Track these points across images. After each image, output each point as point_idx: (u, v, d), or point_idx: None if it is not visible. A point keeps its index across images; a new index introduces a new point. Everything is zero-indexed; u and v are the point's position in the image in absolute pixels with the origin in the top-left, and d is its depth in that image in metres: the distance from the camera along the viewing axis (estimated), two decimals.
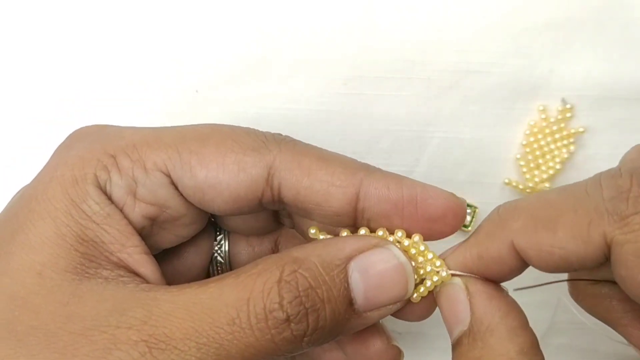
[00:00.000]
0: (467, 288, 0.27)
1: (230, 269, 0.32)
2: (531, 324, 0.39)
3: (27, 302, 0.24)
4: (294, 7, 0.38)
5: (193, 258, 0.31)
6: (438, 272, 0.27)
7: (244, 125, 0.38)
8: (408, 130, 0.39)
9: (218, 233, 0.32)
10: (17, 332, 0.24)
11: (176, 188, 0.27)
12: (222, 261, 0.32)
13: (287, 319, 0.24)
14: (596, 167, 0.38)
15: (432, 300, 0.28)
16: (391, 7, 0.38)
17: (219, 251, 0.32)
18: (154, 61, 0.39)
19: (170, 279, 0.28)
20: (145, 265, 0.27)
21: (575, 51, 0.39)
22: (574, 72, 0.39)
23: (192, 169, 0.27)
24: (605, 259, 0.24)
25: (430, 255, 0.27)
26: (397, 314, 0.28)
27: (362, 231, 0.27)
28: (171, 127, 0.29)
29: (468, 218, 0.39)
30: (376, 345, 0.29)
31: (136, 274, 0.26)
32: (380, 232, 0.27)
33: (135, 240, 0.27)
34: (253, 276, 0.25)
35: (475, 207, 0.39)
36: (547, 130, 0.39)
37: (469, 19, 0.39)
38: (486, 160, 0.39)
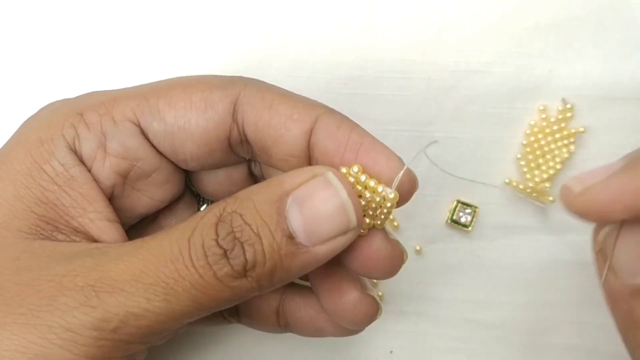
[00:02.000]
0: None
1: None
2: (531, 324, 0.39)
3: None
4: (294, 7, 0.38)
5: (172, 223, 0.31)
6: (384, 196, 0.26)
7: None
8: (408, 130, 0.39)
9: (201, 203, 0.32)
10: None
11: (146, 138, 0.27)
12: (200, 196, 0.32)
13: (224, 254, 0.24)
14: (596, 166, 0.39)
15: (398, 252, 0.27)
16: (391, 7, 0.38)
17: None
18: (154, 61, 0.39)
19: None
20: (108, 233, 0.26)
21: (575, 51, 0.39)
22: (574, 72, 0.39)
23: (161, 111, 0.27)
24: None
25: (372, 183, 0.26)
26: (361, 271, 0.28)
27: None
28: (137, 85, 0.29)
29: (468, 218, 0.39)
30: (351, 294, 0.29)
31: (95, 241, 0.26)
32: None
33: (100, 205, 0.26)
34: (197, 217, 0.25)
35: (476, 207, 0.39)
36: (548, 130, 0.39)
37: (469, 19, 0.39)
38: (486, 160, 0.39)
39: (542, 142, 0.39)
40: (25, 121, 0.28)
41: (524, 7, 0.38)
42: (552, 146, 0.39)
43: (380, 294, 0.39)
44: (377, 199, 0.26)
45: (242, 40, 0.39)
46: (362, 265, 0.28)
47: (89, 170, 0.26)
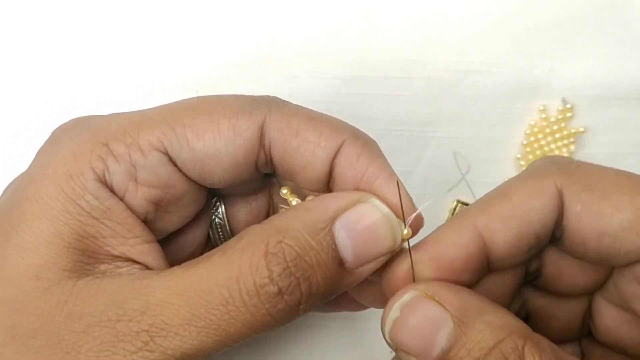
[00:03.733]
0: (427, 291, 0.25)
1: (230, 230, 0.32)
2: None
3: (26, 305, 0.24)
4: (294, 7, 0.38)
5: (194, 230, 0.31)
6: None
7: None
8: (408, 130, 0.39)
9: (216, 203, 0.32)
10: (19, 336, 0.24)
11: (175, 165, 0.27)
12: (222, 222, 0.32)
13: (280, 292, 0.24)
14: None
15: (377, 290, 0.28)
16: (391, 6, 0.38)
17: (217, 214, 0.32)
18: (154, 61, 0.39)
19: (175, 255, 0.28)
20: (149, 254, 0.26)
21: (575, 51, 0.39)
22: (574, 72, 0.39)
23: (189, 142, 0.26)
24: (559, 210, 0.25)
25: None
26: (338, 306, 0.29)
27: None
28: (157, 106, 0.28)
29: None
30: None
31: (138, 263, 0.26)
32: None
33: (138, 230, 0.26)
34: (239, 252, 0.25)
35: None
36: (548, 130, 0.39)
37: (469, 19, 0.39)
38: (486, 160, 0.39)
39: (542, 142, 0.39)
40: (44, 149, 0.28)
41: (524, 7, 0.39)
42: (552, 146, 0.39)
43: None
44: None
45: (242, 40, 0.39)
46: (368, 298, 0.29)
47: (122, 200, 0.26)
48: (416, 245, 0.27)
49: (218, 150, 0.27)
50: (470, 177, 0.39)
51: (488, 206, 0.26)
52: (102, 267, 0.26)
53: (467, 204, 0.39)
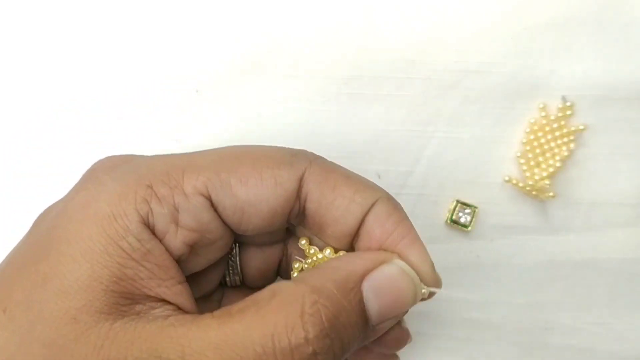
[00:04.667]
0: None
1: (242, 274, 0.32)
2: (531, 324, 0.39)
3: (63, 348, 0.24)
4: (294, 7, 0.38)
5: (213, 272, 0.31)
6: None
7: (245, 125, 0.39)
8: (408, 130, 0.39)
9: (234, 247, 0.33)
10: None
11: (216, 210, 0.27)
12: (234, 265, 0.32)
13: (314, 352, 0.24)
14: (596, 165, 0.39)
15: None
16: (391, 7, 0.38)
17: (231, 257, 0.32)
18: (154, 61, 0.39)
19: (193, 291, 0.28)
20: (181, 295, 0.27)
21: (575, 51, 0.39)
22: (574, 72, 0.39)
23: (233, 188, 0.27)
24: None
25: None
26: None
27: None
28: (199, 151, 0.29)
29: (468, 218, 0.39)
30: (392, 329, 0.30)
31: (171, 303, 0.26)
32: None
33: (173, 272, 0.27)
34: (274, 309, 0.25)
35: (475, 207, 0.39)
36: (547, 128, 0.39)
37: (469, 19, 0.39)
38: (486, 159, 0.39)
39: (542, 140, 0.39)
40: (84, 186, 0.28)
41: (524, 7, 0.38)
42: (552, 144, 0.39)
43: None
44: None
45: (242, 40, 0.39)
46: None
47: (161, 241, 0.27)
48: None
49: (260, 198, 0.27)
50: (471, 177, 0.39)
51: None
52: (137, 307, 0.26)
53: (467, 204, 0.39)
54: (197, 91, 0.39)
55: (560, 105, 0.39)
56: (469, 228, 0.39)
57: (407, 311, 0.28)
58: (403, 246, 0.28)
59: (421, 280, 0.28)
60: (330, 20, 0.38)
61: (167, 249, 0.27)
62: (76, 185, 0.28)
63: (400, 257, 0.28)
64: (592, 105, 0.39)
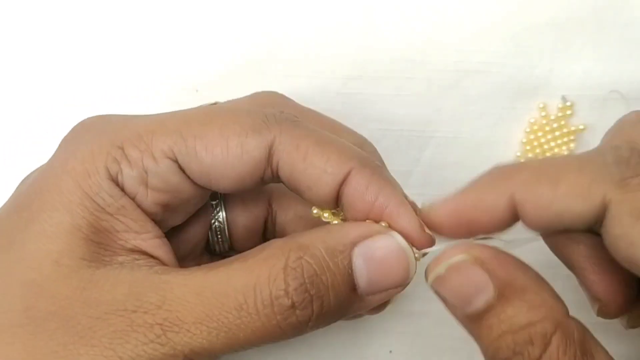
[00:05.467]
0: (477, 258, 0.26)
1: (229, 234, 0.33)
2: None
3: (44, 289, 0.25)
4: (294, 6, 0.38)
5: (194, 228, 0.32)
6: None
7: None
8: (408, 130, 0.39)
9: (213, 201, 0.33)
10: (35, 318, 0.25)
11: (184, 172, 0.28)
12: (221, 226, 0.33)
13: (293, 306, 0.25)
14: None
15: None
16: (391, 7, 0.38)
17: (217, 218, 0.33)
18: (154, 61, 0.39)
19: (176, 250, 0.29)
20: (160, 248, 0.28)
21: (575, 51, 0.39)
22: (574, 72, 0.39)
23: (198, 154, 0.27)
24: (598, 220, 0.24)
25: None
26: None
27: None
28: (174, 112, 0.29)
29: None
30: None
31: (151, 256, 0.27)
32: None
33: (149, 226, 0.28)
34: (259, 262, 0.26)
35: None
36: (548, 128, 0.39)
37: (469, 19, 0.39)
38: (486, 159, 0.39)
39: (542, 140, 0.39)
40: (65, 144, 0.29)
41: (524, 7, 0.39)
42: (552, 144, 0.39)
43: None
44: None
45: (242, 40, 0.39)
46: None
47: (133, 200, 0.28)
48: (450, 201, 0.27)
49: (226, 165, 0.27)
50: (470, 177, 0.39)
51: (533, 184, 0.25)
52: (120, 258, 0.27)
53: None
54: (197, 91, 0.39)
55: (560, 105, 0.39)
56: None
57: (402, 288, 0.27)
58: (388, 215, 0.28)
59: (413, 245, 0.28)
60: (330, 20, 0.38)
61: (140, 208, 0.28)
62: (58, 145, 0.30)
63: (390, 226, 0.28)
64: (592, 105, 0.39)
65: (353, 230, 0.27)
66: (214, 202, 0.33)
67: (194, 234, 0.32)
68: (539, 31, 0.38)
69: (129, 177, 0.27)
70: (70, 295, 0.25)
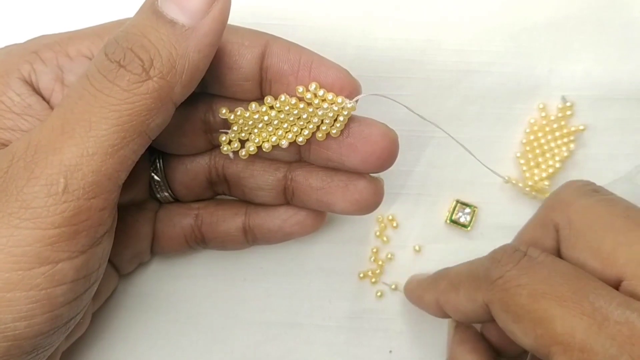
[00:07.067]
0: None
1: (169, 187, 0.34)
2: None
3: None
4: (293, 6, 0.39)
5: (133, 182, 0.32)
6: (343, 106, 0.29)
7: None
8: (408, 130, 0.39)
9: (152, 156, 0.34)
10: None
11: None
12: (159, 181, 0.34)
13: (119, 65, 0.25)
14: (596, 166, 0.39)
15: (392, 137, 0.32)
16: (391, 7, 0.39)
17: (154, 171, 0.33)
18: None
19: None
20: None
21: (575, 51, 0.39)
22: (574, 72, 0.39)
23: None
24: (490, 315, 0.29)
25: (330, 96, 0.29)
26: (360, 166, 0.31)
27: (269, 99, 0.29)
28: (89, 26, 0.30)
29: (467, 218, 0.39)
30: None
31: None
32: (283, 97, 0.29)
33: None
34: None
35: (475, 207, 0.39)
36: (547, 129, 0.39)
37: (469, 19, 0.39)
38: (486, 159, 0.39)
39: (542, 141, 0.39)
40: None
41: (524, 7, 0.39)
42: (552, 144, 0.39)
43: (393, 286, 0.39)
44: (336, 108, 0.29)
45: None
46: (361, 157, 0.31)
47: (48, 101, 0.28)
48: (409, 286, 0.37)
49: None
50: (470, 177, 0.39)
51: (447, 292, 0.32)
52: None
53: (466, 204, 0.39)
54: None
55: (560, 105, 0.39)
56: (469, 228, 0.39)
57: (223, 3, 0.26)
58: (315, 69, 0.29)
59: (342, 94, 0.29)
60: (330, 20, 0.38)
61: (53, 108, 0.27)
62: None
63: (317, 81, 0.29)
64: (592, 105, 0.39)
65: None
66: (152, 159, 0.33)
67: (130, 181, 0.31)
68: (539, 31, 0.39)
69: (42, 73, 0.28)
70: None
